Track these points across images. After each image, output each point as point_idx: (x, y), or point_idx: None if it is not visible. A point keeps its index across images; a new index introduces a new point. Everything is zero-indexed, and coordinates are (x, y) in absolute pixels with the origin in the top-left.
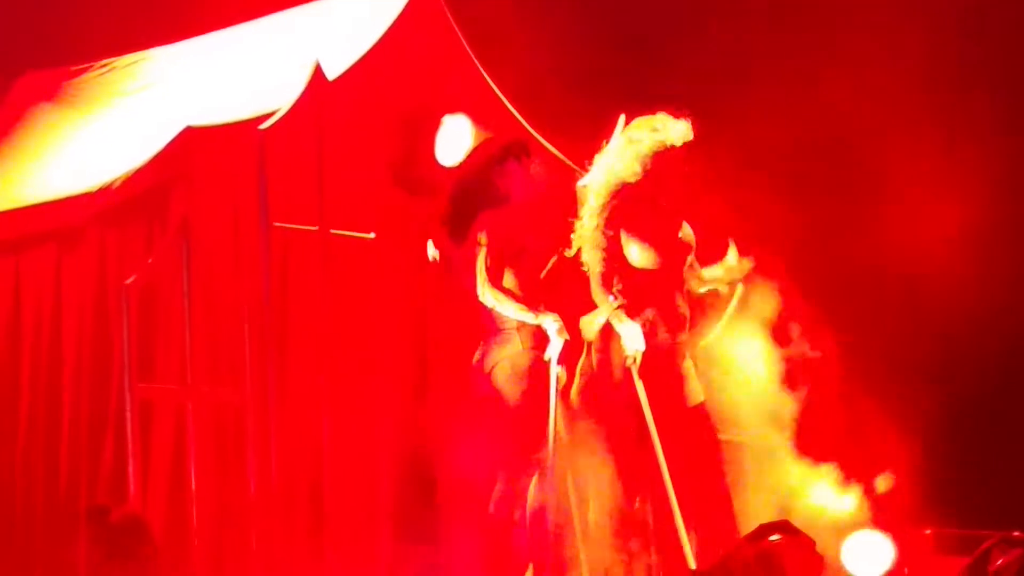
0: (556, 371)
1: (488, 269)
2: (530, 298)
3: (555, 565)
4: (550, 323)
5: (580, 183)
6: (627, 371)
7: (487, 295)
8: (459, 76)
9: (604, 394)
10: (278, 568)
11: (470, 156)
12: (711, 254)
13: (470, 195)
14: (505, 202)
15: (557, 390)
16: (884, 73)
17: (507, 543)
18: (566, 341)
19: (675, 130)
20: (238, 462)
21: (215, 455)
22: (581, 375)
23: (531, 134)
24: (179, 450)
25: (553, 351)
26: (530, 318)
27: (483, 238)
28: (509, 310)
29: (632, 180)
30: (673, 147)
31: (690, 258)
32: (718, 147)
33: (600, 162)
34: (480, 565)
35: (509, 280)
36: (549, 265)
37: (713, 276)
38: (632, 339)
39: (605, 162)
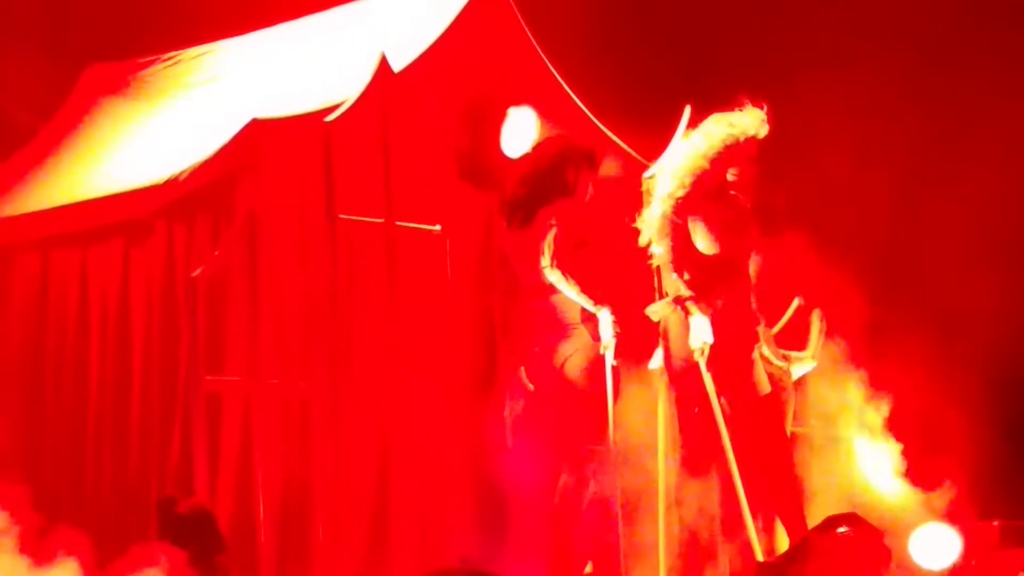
0: (611, 363)
1: (555, 249)
2: (587, 289)
3: (616, 557)
4: (605, 315)
5: (646, 174)
6: (693, 363)
7: (552, 273)
8: (525, 68)
9: (670, 385)
10: (344, 559)
11: (543, 147)
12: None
13: (541, 184)
14: (574, 196)
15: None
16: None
17: (570, 535)
18: (618, 334)
19: (750, 125)
20: (305, 454)
21: (282, 447)
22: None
23: (597, 125)
24: (246, 442)
25: (606, 344)
26: (589, 305)
27: (553, 220)
28: (571, 292)
29: (700, 172)
30: (747, 142)
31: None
32: (790, 143)
33: (668, 153)
34: (545, 557)
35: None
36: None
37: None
38: (701, 331)
39: (674, 153)
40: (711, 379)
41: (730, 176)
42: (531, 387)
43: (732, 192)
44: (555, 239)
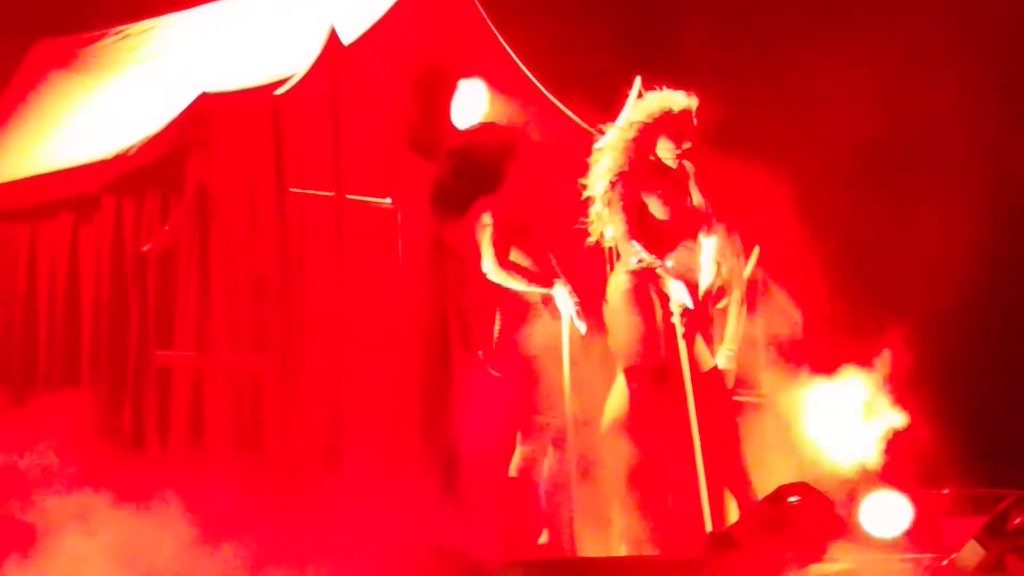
0: (581, 330)
1: (495, 248)
2: (541, 270)
3: (569, 528)
4: (559, 289)
5: (596, 146)
6: (656, 333)
7: (495, 273)
8: (475, 39)
9: (634, 356)
10: (296, 533)
11: (472, 138)
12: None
13: (474, 175)
14: (508, 183)
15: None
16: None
17: (527, 506)
18: (578, 303)
19: (681, 98)
20: (256, 428)
21: (233, 422)
22: None
23: (547, 97)
24: (197, 416)
25: (565, 315)
26: (537, 290)
27: (487, 218)
28: (517, 286)
29: (637, 146)
30: (681, 114)
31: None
32: (736, 116)
33: (615, 127)
34: (500, 527)
35: (515, 255)
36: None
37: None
38: (679, 295)
39: (616, 128)
40: (685, 345)
41: (666, 152)
42: (494, 371)
43: (679, 165)
44: (493, 239)
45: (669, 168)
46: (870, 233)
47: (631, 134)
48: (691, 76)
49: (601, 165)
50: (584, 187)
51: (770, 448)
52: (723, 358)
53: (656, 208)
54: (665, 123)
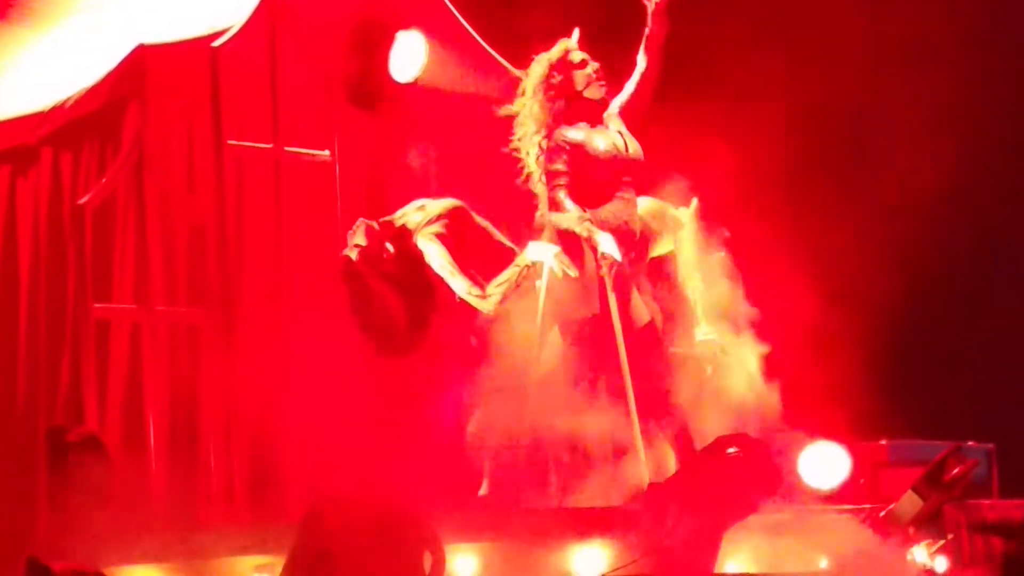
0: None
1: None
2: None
3: (515, 483)
4: (532, 248)
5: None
6: (590, 287)
7: (491, 304)
8: None
9: (567, 310)
10: (234, 486)
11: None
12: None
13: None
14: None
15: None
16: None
17: (477, 462)
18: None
19: (555, 54)
20: (194, 381)
21: (171, 374)
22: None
23: (485, 48)
24: (135, 369)
25: (546, 267)
26: (520, 270)
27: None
28: (510, 288)
29: (544, 117)
30: (564, 63)
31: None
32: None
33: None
34: (443, 480)
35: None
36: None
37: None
38: (608, 248)
39: (521, 99)
40: (617, 298)
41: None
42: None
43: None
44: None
45: (598, 111)
46: (804, 189)
47: (534, 104)
48: (632, 28)
49: (526, 139)
50: (518, 158)
51: (708, 400)
52: (702, 334)
53: (589, 158)
54: (558, 74)
